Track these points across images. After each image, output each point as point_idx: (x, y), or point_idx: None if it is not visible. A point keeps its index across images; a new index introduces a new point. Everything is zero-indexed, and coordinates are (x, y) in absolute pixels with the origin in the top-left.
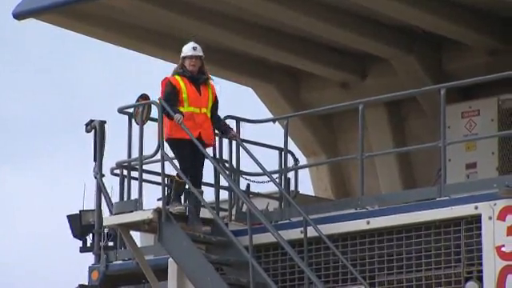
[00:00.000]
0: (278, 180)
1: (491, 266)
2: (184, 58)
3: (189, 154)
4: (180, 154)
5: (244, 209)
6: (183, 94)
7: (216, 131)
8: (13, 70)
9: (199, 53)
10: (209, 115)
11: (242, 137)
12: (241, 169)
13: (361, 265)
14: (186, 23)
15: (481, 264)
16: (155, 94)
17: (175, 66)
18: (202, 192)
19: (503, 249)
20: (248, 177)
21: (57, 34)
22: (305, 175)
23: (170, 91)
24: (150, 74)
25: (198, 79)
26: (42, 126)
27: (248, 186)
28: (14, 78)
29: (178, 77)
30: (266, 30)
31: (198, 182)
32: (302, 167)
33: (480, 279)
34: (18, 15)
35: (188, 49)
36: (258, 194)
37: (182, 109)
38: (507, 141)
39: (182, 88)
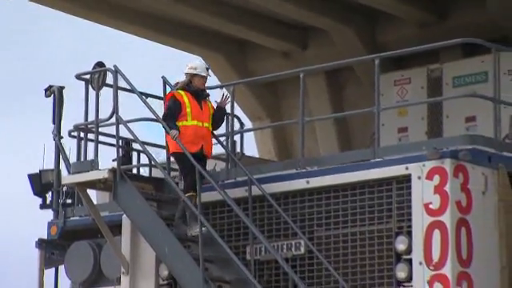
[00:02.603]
0: (224, 142)
1: (420, 221)
2: (195, 75)
3: (191, 166)
4: (185, 166)
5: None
6: (187, 109)
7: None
8: None
9: (210, 73)
10: (210, 129)
11: None
12: None
13: (301, 221)
14: None
15: (410, 220)
16: (111, 62)
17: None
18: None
19: (431, 206)
20: None
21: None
22: (250, 138)
23: (172, 105)
24: (101, 43)
25: (200, 95)
26: (5, 89)
27: None
28: None
29: (182, 92)
30: (216, 3)
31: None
32: (248, 131)
33: (409, 234)
34: None
35: (202, 69)
36: None
37: (185, 122)
38: (435, 107)
39: (186, 103)
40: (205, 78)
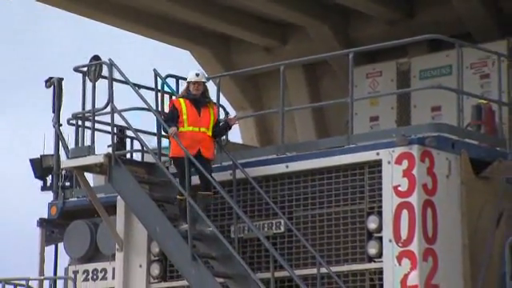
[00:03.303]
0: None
1: (389, 202)
2: (189, 82)
3: (188, 168)
4: (180, 170)
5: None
6: (184, 116)
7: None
8: None
9: (202, 79)
10: (209, 133)
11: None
12: None
13: (281, 202)
14: None
15: (381, 201)
16: (106, 56)
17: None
18: (211, 195)
19: (399, 188)
20: None
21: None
22: (234, 126)
23: (171, 112)
24: (96, 38)
25: (200, 102)
26: (10, 81)
27: None
28: None
29: (181, 99)
30: (203, 1)
31: (207, 186)
32: (233, 119)
33: (380, 214)
34: None
35: (192, 75)
36: None
37: (182, 128)
38: (404, 97)
39: (183, 110)
40: (198, 84)
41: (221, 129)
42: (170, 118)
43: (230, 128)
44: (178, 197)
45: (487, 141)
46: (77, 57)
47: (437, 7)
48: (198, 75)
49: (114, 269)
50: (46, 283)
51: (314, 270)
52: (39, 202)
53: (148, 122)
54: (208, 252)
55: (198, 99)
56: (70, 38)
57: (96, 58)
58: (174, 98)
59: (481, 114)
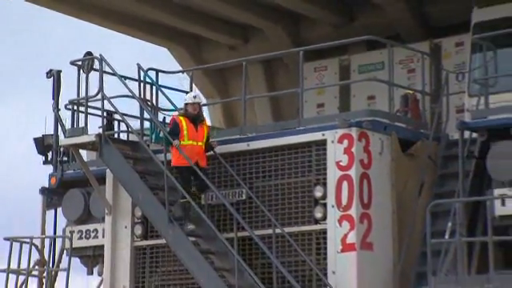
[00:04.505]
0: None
1: (332, 175)
2: (187, 104)
3: (189, 176)
4: (182, 176)
5: (161, 134)
6: (184, 131)
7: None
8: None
9: (198, 100)
10: (203, 147)
11: (160, 83)
12: (159, 106)
13: (243, 174)
14: None
15: (325, 174)
16: (98, 52)
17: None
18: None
19: (341, 163)
20: (164, 112)
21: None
22: (204, 111)
23: (174, 127)
24: (89, 37)
25: (197, 120)
26: (19, 73)
27: (164, 119)
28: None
29: (181, 117)
30: (178, 5)
31: (204, 188)
32: (203, 105)
33: (325, 184)
34: None
35: (190, 98)
36: None
37: (183, 142)
38: (345, 88)
39: (184, 126)
40: (195, 104)
41: (207, 147)
42: (172, 132)
43: (212, 150)
44: (180, 200)
45: (412, 124)
46: (75, 52)
47: (372, 13)
48: (195, 97)
49: (103, 229)
50: (47, 241)
51: (270, 231)
52: (41, 173)
53: (132, 107)
54: (182, 215)
55: (196, 117)
56: (68, 36)
57: (89, 53)
58: (174, 114)
59: (408, 102)
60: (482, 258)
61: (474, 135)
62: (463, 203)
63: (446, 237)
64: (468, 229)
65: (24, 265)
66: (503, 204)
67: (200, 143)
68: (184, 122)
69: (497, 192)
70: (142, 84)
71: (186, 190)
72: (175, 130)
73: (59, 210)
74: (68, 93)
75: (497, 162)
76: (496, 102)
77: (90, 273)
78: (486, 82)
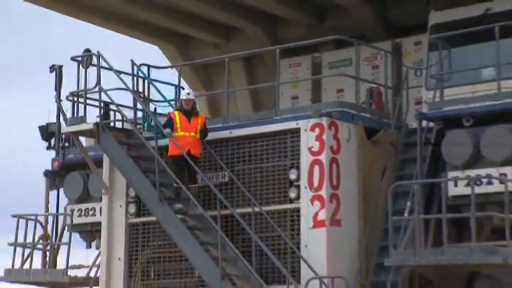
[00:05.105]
0: (174, 105)
1: (305, 159)
2: (181, 100)
3: (181, 164)
4: (175, 164)
5: (152, 123)
6: (177, 124)
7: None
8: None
9: (191, 97)
10: (197, 136)
11: (152, 77)
12: (150, 98)
13: (226, 159)
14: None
15: (299, 158)
16: (95, 48)
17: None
18: (196, 187)
19: (313, 149)
20: (155, 103)
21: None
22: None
23: (167, 120)
24: (88, 35)
25: (190, 113)
26: (26, 67)
27: (155, 109)
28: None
29: (176, 111)
30: (165, 7)
31: (194, 178)
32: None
33: (298, 168)
34: None
35: (184, 94)
36: (161, 114)
37: (176, 134)
38: (317, 82)
39: (177, 119)
40: (189, 101)
41: (202, 135)
42: (165, 124)
43: (206, 134)
44: (174, 184)
45: (376, 115)
46: (74, 51)
47: (341, 15)
48: (188, 94)
49: (101, 208)
50: (50, 218)
51: (249, 209)
52: (45, 157)
53: (127, 99)
54: (172, 195)
55: (189, 111)
56: (67, 36)
57: (87, 50)
58: (171, 110)
59: (372, 95)
60: (437, 234)
61: (431, 124)
62: (421, 185)
63: (406, 215)
64: (425, 207)
65: (29, 239)
66: (456, 185)
67: (193, 133)
68: (178, 116)
69: (450, 175)
70: (135, 78)
71: (179, 176)
72: (169, 123)
73: (61, 190)
74: (69, 86)
75: (450, 148)
76: (450, 95)
77: (89, 246)
78: (441, 77)
